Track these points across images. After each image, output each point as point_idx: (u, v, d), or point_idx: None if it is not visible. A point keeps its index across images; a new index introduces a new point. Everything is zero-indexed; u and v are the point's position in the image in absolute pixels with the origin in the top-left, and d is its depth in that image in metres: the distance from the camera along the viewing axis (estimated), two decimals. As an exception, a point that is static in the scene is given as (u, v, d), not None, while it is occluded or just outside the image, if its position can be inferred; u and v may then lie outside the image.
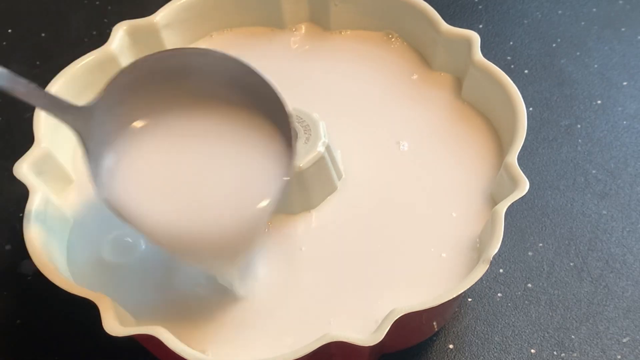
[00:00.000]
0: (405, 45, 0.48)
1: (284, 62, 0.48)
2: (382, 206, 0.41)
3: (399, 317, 0.35)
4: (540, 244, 0.46)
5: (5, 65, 0.56)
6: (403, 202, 0.42)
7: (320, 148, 0.40)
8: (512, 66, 0.55)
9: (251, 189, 0.34)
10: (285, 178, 0.34)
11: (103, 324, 0.35)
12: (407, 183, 0.42)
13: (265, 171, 0.34)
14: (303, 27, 0.49)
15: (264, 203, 0.33)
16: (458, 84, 0.46)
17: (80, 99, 0.45)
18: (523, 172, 0.38)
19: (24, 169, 0.40)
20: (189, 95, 0.35)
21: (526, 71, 0.55)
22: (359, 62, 0.47)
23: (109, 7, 0.60)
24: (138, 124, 0.35)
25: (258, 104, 0.35)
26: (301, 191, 0.40)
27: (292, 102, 0.43)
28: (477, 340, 0.43)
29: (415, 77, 0.46)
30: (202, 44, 0.48)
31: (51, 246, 0.39)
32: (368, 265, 0.39)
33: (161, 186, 0.34)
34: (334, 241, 0.40)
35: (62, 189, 0.42)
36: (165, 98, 0.35)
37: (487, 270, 0.36)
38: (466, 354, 0.43)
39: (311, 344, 0.34)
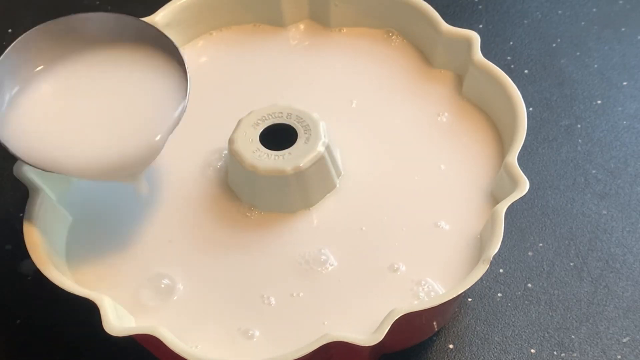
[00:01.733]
0: (406, 42, 0.48)
1: (283, 59, 0.48)
2: (381, 204, 0.41)
3: (399, 317, 0.35)
4: (540, 244, 0.46)
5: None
6: (403, 199, 0.41)
7: (321, 148, 0.40)
8: (512, 66, 0.55)
9: (149, 123, 0.39)
10: (180, 109, 0.39)
11: (103, 324, 0.35)
12: (407, 180, 0.42)
13: (161, 106, 0.39)
14: (303, 24, 0.49)
15: (158, 136, 0.38)
16: (459, 81, 0.46)
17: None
18: (523, 172, 0.39)
19: (24, 168, 0.40)
20: (85, 43, 0.41)
21: (526, 71, 0.55)
22: (359, 59, 0.47)
23: (109, 7, 0.60)
24: (40, 68, 0.40)
25: (150, 43, 0.41)
26: (300, 190, 0.40)
27: (292, 99, 0.43)
28: (477, 340, 0.43)
29: (415, 73, 0.46)
30: (201, 42, 0.48)
31: (51, 246, 0.39)
32: (368, 264, 0.39)
33: (65, 120, 0.39)
34: (333, 239, 0.40)
35: (61, 187, 0.42)
36: (65, 47, 0.41)
37: (487, 270, 0.36)
38: (466, 354, 0.43)
39: (311, 344, 0.34)
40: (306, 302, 0.39)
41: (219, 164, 0.43)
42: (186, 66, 0.39)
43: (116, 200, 0.42)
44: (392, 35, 0.48)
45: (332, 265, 0.39)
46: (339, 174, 0.42)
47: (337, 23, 0.49)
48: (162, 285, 0.39)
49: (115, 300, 0.37)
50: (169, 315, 0.38)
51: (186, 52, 0.48)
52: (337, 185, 0.42)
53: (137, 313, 0.38)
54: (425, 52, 0.47)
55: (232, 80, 0.47)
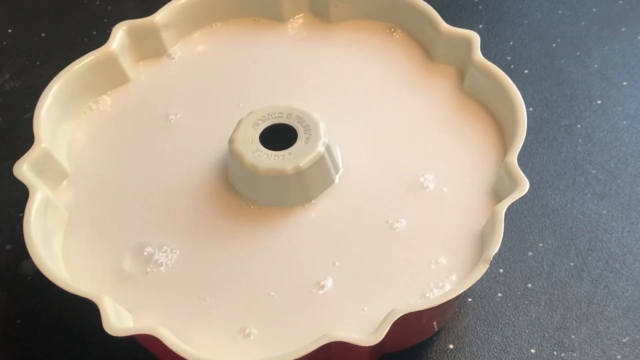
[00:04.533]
0: (407, 36, 0.48)
1: (283, 53, 0.48)
2: (380, 200, 0.41)
3: (399, 317, 0.35)
4: (540, 244, 0.46)
5: (5, 65, 0.57)
6: (403, 196, 0.41)
7: (321, 148, 0.40)
8: (512, 66, 0.55)
9: None
10: None
11: (103, 324, 0.35)
12: (407, 176, 0.42)
13: None
14: (302, 17, 0.49)
15: None
16: (460, 76, 0.45)
17: (80, 99, 0.45)
18: (523, 172, 0.38)
19: (24, 169, 0.40)
20: None
21: (526, 71, 0.55)
22: (360, 52, 0.47)
23: (109, 7, 0.60)
24: None
25: None
26: (300, 188, 0.40)
27: (292, 93, 0.43)
28: (477, 340, 0.43)
29: (417, 67, 0.46)
30: (199, 36, 0.48)
31: (51, 246, 0.39)
32: (367, 262, 0.39)
33: None
34: (332, 236, 0.40)
35: (60, 186, 0.42)
36: None
37: (487, 270, 0.36)
38: (466, 354, 0.43)
39: (311, 344, 0.34)
40: (305, 300, 0.38)
41: (220, 160, 0.43)
42: None
43: (115, 198, 0.42)
44: (394, 30, 0.48)
45: (330, 262, 0.39)
46: (337, 171, 0.42)
47: (338, 20, 0.49)
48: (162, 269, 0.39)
49: (115, 298, 0.37)
50: (171, 307, 0.38)
51: (183, 47, 0.48)
52: (336, 182, 0.42)
53: (139, 308, 0.38)
54: (426, 49, 0.47)
55: (232, 76, 0.47)
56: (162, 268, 0.40)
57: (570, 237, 0.47)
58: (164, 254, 0.40)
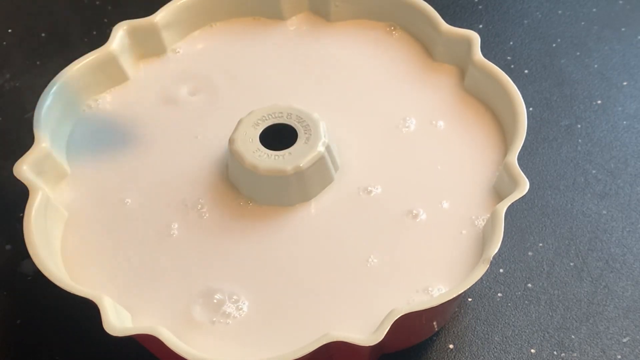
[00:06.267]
0: (407, 36, 0.48)
1: (282, 52, 0.48)
2: (380, 198, 0.41)
3: (399, 317, 0.35)
4: (540, 244, 0.46)
5: (5, 65, 0.56)
6: (403, 194, 0.41)
7: (321, 148, 0.40)
8: (512, 66, 0.55)
9: None
10: None
11: (103, 324, 0.35)
12: (407, 174, 0.42)
13: None
14: (302, 16, 0.49)
15: None
16: (460, 75, 0.46)
17: (80, 99, 0.45)
18: (523, 172, 0.38)
19: (24, 168, 0.40)
20: None
21: (526, 71, 0.55)
22: (360, 50, 0.47)
23: (109, 7, 0.60)
24: None
25: None
26: (300, 187, 0.40)
27: (291, 94, 0.43)
28: (477, 340, 0.43)
29: (417, 65, 0.46)
30: (200, 36, 0.48)
31: (51, 246, 0.39)
32: (367, 262, 0.39)
33: None
34: (332, 235, 0.40)
35: (60, 185, 0.42)
36: None
37: (487, 270, 0.36)
38: (466, 354, 0.43)
39: (311, 344, 0.34)
40: (305, 300, 0.38)
41: (220, 159, 0.43)
42: None
43: (115, 197, 0.42)
44: (394, 30, 0.48)
45: (330, 261, 0.39)
46: (337, 169, 0.42)
47: (338, 19, 0.49)
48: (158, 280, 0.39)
49: (115, 298, 0.37)
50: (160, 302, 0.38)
51: (183, 46, 0.48)
52: (335, 180, 0.42)
53: (133, 308, 0.38)
54: (426, 48, 0.47)
55: (232, 75, 0.47)
56: (162, 265, 0.40)
57: (570, 237, 0.47)
58: (164, 254, 0.40)
